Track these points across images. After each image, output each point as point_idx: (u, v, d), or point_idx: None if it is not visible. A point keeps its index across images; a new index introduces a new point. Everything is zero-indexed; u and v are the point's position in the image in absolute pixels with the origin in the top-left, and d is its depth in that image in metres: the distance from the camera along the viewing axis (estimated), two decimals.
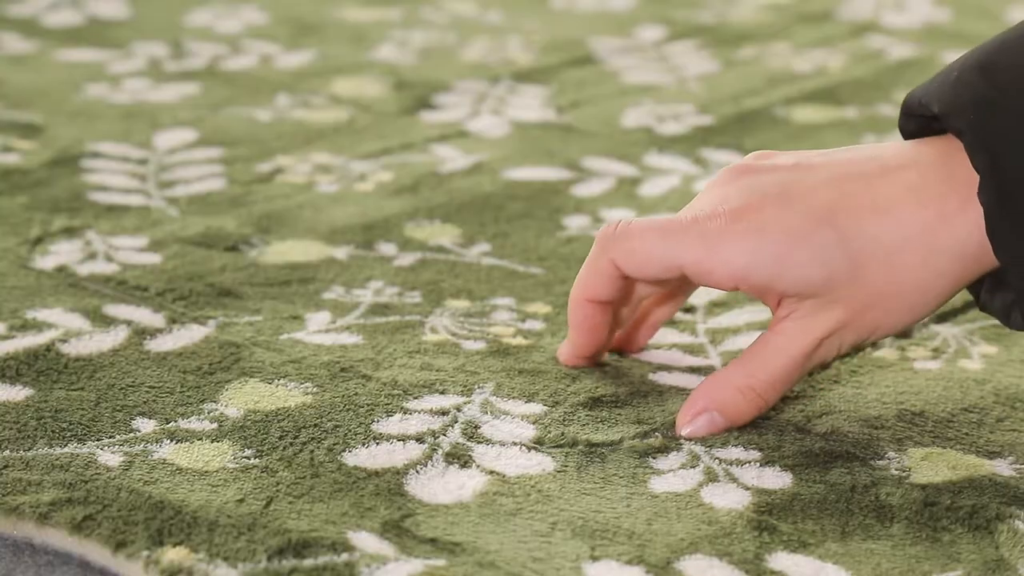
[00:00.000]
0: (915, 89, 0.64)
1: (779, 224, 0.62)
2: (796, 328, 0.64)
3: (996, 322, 0.78)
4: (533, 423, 0.68)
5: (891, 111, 1.12)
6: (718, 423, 0.66)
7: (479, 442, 0.66)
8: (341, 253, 0.85)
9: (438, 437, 0.66)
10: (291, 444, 0.65)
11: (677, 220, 0.65)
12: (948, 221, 0.62)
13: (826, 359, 0.66)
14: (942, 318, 0.79)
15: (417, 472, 0.64)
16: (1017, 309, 0.63)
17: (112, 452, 0.64)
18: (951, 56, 1.27)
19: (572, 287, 0.69)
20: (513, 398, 0.70)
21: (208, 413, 0.68)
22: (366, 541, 0.59)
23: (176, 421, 0.67)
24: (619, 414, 0.69)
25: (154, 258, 0.83)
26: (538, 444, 0.66)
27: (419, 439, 0.66)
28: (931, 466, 0.65)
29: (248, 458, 0.64)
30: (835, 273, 0.63)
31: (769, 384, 0.66)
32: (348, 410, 0.68)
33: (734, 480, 0.64)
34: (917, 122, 0.65)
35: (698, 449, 0.66)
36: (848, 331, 0.65)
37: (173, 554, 0.57)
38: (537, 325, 0.77)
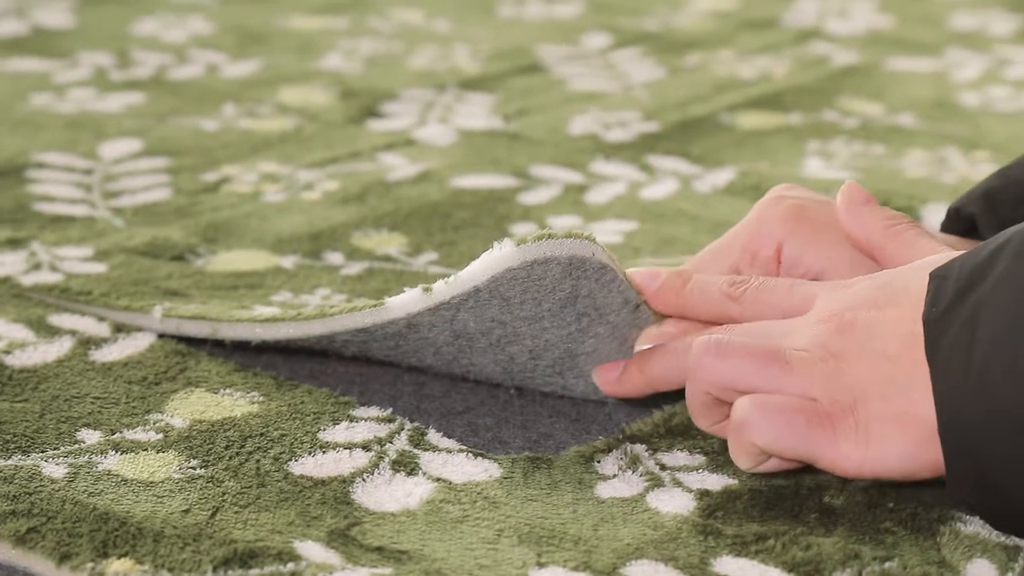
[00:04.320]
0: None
1: (814, 212, 0.68)
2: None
3: None
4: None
5: (835, 117, 1.13)
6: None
7: (425, 449, 0.66)
8: (288, 262, 0.85)
9: (384, 445, 0.66)
10: (237, 454, 0.65)
11: None
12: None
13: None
14: None
15: (364, 480, 0.64)
16: None
17: (56, 464, 0.64)
18: (894, 63, 1.28)
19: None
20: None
21: (153, 424, 0.68)
22: (312, 550, 0.58)
23: (121, 432, 0.67)
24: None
25: (99, 267, 0.83)
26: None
27: (365, 447, 0.66)
28: None
29: (194, 468, 0.64)
30: (859, 256, 0.66)
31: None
32: (294, 419, 0.68)
33: (679, 485, 0.64)
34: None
35: (642, 453, 0.66)
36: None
37: (118, 566, 0.57)
38: None
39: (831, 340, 0.60)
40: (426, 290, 0.65)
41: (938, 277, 0.59)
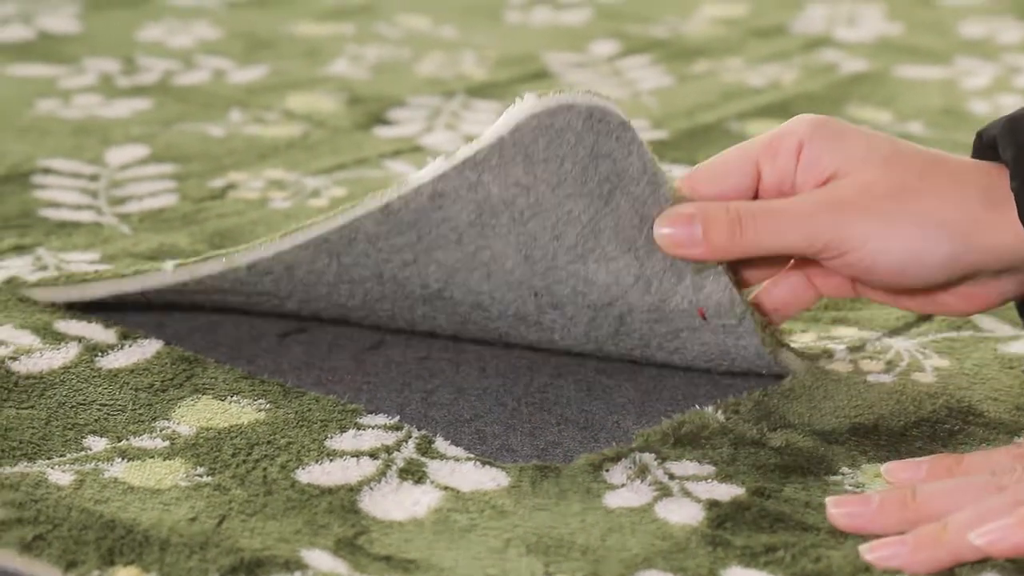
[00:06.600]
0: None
1: (840, 122, 0.71)
2: (808, 195, 0.70)
3: (949, 335, 0.78)
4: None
5: None
6: (696, 236, 0.68)
7: (433, 457, 0.66)
8: None
9: (392, 453, 0.66)
10: (244, 461, 0.65)
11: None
12: (982, 179, 0.70)
13: (812, 246, 0.69)
14: (894, 331, 0.79)
15: (371, 489, 0.63)
16: None
17: (63, 471, 0.64)
18: (903, 70, 1.27)
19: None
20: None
21: (160, 431, 0.67)
22: (319, 559, 0.58)
23: (128, 439, 0.66)
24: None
25: None
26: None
27: (373, 455, 0.66)
28: (884, 483, 0.65)
29: (200, 476, 0.64)
30: (875, 151, 0.69)
31: (754, 216, 0.68)
32: (301, 426, 0.68)
33: (688, 494, 0.64)
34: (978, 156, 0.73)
35: (651, 462, 0.66)
36: (847, 218, 0.68)
37: (124, 574, 0.56)
38: None
39: None
40: (448, 156, 0.66)
41: None
